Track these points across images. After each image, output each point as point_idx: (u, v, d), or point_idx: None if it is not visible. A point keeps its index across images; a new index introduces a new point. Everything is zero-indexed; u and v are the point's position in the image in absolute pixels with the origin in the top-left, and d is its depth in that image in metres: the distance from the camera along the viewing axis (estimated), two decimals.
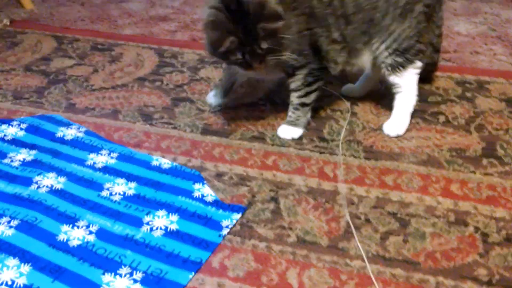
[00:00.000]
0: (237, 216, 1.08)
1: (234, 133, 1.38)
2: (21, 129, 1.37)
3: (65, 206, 1.10)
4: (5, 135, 1.35)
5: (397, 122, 1.36)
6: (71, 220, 1.06)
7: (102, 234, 1.03)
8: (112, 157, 1.27)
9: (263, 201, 1.14)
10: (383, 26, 1.26)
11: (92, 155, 1.27)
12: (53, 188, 1.15)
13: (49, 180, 1.18)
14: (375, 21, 1.26)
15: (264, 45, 1.16)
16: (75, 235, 1.03)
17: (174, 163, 1.25)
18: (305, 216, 1.10)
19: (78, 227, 1.05)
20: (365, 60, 1.33)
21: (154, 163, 1.25)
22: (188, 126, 1.40)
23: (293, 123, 1.37)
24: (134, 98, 1.56)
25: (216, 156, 1.29)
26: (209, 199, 1.13)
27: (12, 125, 1.38)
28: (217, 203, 1.12)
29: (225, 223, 1.06)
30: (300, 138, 1.35)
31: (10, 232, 1.03)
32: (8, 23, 2.15)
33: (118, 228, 1.05)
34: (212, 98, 1.47)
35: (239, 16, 1.14)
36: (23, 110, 1.49)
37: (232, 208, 1.10)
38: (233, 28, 1.14)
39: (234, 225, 1.07)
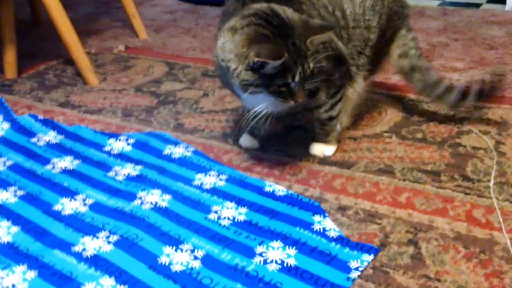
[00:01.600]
0: (368, 257, 0.89)
1: (356, 165, 1.20)
2: (128, 144, 1.29)
3: (169, 226, 0.97)
4: (111, 149, 1.28)
5: None
6: (175, 242, 0.93)
7: (208, 261, 0.88)
8: (221, 179, 1.14)
9: (399, 243, 0.94)
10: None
11: (199, 175, 1.15)
12: (157, 205, 1.04)
13: (154, 197, 1.06)
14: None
15: (311, 65, 1.01)
16: (179, 259, 0.89)
17: (290, 191, 1.09)
18: (455, 266, 0.88)
19: (182, 250, 0.91)
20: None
21: (267, 189, 1.10)
22: (303, 155, 1.25)
23: (323, 140, 1.24)
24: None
25: (337, 188, 1.11)
26: (333, 234, 0.95)
27: (119, 140, 1.31)
28: (342, 240, 0.93)
29: (353, 264, 0.87)
30: (437, 174, 1.14)
31: (108, 248, 0.92)
32: (123, 49, 2.17)
33: (227, 256, 0.90)
34: (249, 141, 1.29)
35: (283, 32, 0.99)
36: (131, 127, 1.43)
37: (362, 248, 0.91)
38: (282, 43, 0.99)
39: (365, 268, 0.87)
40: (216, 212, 1.02)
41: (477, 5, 2.97)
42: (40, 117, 1.44)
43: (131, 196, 1.07)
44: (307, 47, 1.00)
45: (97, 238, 0.95)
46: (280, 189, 1.09)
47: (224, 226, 0.98)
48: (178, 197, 1.07)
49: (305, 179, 1.15)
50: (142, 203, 1.04)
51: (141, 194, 1.07)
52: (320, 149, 1.23)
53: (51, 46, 2.02)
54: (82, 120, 1.47)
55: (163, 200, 1.06)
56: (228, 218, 1.00)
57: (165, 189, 1.10)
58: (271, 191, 1.09)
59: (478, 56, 2.02)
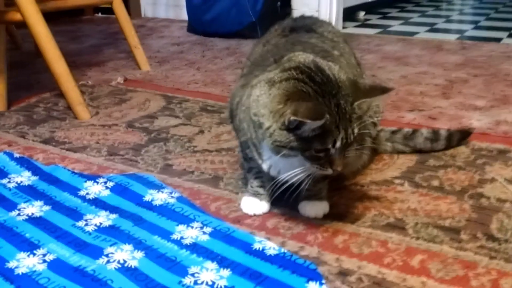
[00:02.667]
0: None
1: (362, 218, 1.05)
2: (107, 187, 1.16)
3: None
4: (87, 193, 1.14)
5: None
6: None
7: None
8: (204, 232, 0.99)
9: None
10: None
11: (180, 227, 1.00)
12: (126, 265, 0.89)
13: (123, 254, 0.92)
14: None
15: (356, 130, 0.88)
16: None
17: (283, 249, 0.93)
18: None
19: None
20: None
21: (257, 246, 0.94)
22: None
23: (317, 197, 1.06)
24: (239, 164, 1.30)
25: (338, 247, 0.95)
26: None
27: (98, 182, 1.18)
28: None
29: None
30: (456, 232, 0.98)
31: None
32: (121, 81, 2.07)
33: None
34: (255, 205, 1.08)
35: (327, 91, 0.87)
36: (114, 167, 1.29)
37: None
38: (324, 103, 0.86)
39: None
40: (193, 275, 0.86)
41: (498, 40, 2.83)
42: (17, 155, 1.32)
43: (97, 252, 0.92)
44: (353, 111, 0.88)
45: None
46: (272, 247, 0.94)
47: None
48: (151, 254, 0.92)
49: (302, 234, 1.00)
50: (108, 261, 0.90)
51: (109, 250, 0.93)
52: (314, 209, 1.05)
53: (47, 78, 1.92)
54: (63, 158, 1.35)
55: (134, 258, 0.91)
56: (207, 284, 0.84)
57: (138, 244, 0.95)
58: (260, 249, 0.94)
59: (500, 93, 1.86)
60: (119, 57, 2.54)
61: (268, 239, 0.98)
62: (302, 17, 1.23)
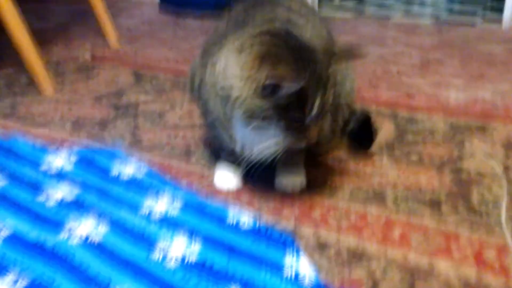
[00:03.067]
0: None
1: (340, 191, 1.00)
2: (70, 161, 1.08)
3: (98, 267, 0.76)
4: (49, 168, 1.07)
5: None
6: None
7: None
8: (175, 206, 0.93)
9: None
10: None
11: (149, 201, 0.94)
12: (89, 240, 0.83)
13: (86, 228, 0.85)
14: None
15: (331, 98, 0.83)
16: None
17: (258, 222, 0.88)
18: None
19: None
20: None
21: (230, 220, 0.89)
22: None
23: (293, 171, 1.02)
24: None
25: (316, 219, 0.91)
26: (309, 281, 0.74)
27: (60, 156, 1.10)
28: None
29: None
30: (437, 205, 0.94)
31: None
32: (89, 58, 1.97)
33: None
34: (228, 180, 1.03)
35: (302, 55, 0.81)
36: (79, 142, 1.22)
37: None
38: (301, 66, 0.80)
39: None
40: (162, 249, 0.81)
41: (472, 25, 2.82)
42: None
43: (58, 227, 0.86)
44: (328, 77, 0.82)
45: (1, 282, 0.73)
46: (246, 220, 0.89)
47: (170, 269, 0.76)
48: (117, 229, 0.86)
49: (278, 207, 0.95)
50: (70, 236, 0.83)
51: (71, 224, 0.86)
52: (291, 182, 1.00)
53: (11, 54, 1.82)
54: (24, 134, 1.26)
55: (98, 233, 0.84)
56: (176, 259, 0.79)
57: (102, 218, 0.88)
58: (234, 222, 0.88)
59: (477, 72, 1.84)
60: (87, 34, 2.43)
61: (243, 212, 0.92)
62: None
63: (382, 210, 0.94)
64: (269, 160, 0.93)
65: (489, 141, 1.23)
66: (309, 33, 0.87)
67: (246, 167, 0.96)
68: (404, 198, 0.97)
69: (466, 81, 1.73)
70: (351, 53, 0.85)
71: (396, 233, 0.87)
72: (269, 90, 0.79)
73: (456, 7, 3.53)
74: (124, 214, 0.90)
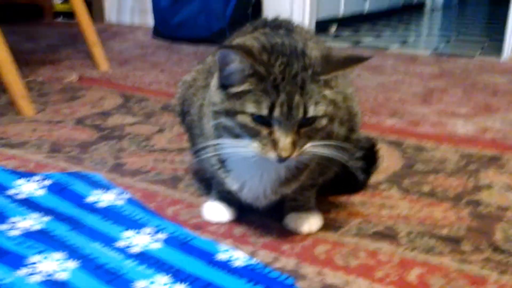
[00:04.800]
0: None
1: (346, 226, 0.89)
2: (43, 186, 0.97)
3: None
4: (18, 193, 0.95)
5: None
6: None
7: None
8: (157, 240, 0.81)
9: None
10: None
11: (128, 233, 0.82)
12: (53, 278, 0.70)
13: (51, 264, 0.73)
14: None
15: (312, 108, 0.71)
16: None
17: (253, 260, 0.76)
18: None
19: None
20: None
21: (221, 256, 0.77)
22: (275, 211, 0.92)
23: (306, 208, 0.89)
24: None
25: (320, 258, 0.79)
26: None
27: (32, 180, 0.98)
28: None
29: None
30: (456, 242, 0.83)
31: None
32: (75, 80, 1.87)
33: None
34: (220, 211, 0.90)
35: (277, 50, 0.73)
36: (55, 165, 1.10)
37: None
38: (267, 59, 0.71)
39: None
40: None
41: (471, 56, 2.76)
42: None
43: (18, 261, 0.73)
44: (314, 83, 0.71)
45: None
46: (239, 257, 0.77)
47: None
48: (88, 265, 0.73)
49: (276, 243, 0.83)
50: (32, 273, 0.71)
51: (34, 258, 0.74)
52: (307, 222, 0.87)
53: None
54: None
55: (65, 269, 0.72)
56: None
57: (72, 253, 0.76)
58: (226, 259, 0.76)
59: (482, 102, 1.76)
60: (76, 56, 2.34)
61: (236, 248, 0.80)
62: (276, 18, 1.07)
63: (395, 247, 0.82)
64: (274, 199, 0.82)
65: (506, 172, 1.12)
66: (308, 43, 0.77)
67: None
68: (418, 234, 0.86)
69: (472, 111, 1.64)
70: (352, 58, 0.74)
71: (413, 275, 0.75)
72: (220, 66, 0.72)
73: (454, 39, 3.50)
74: (97, 247, 0.78)
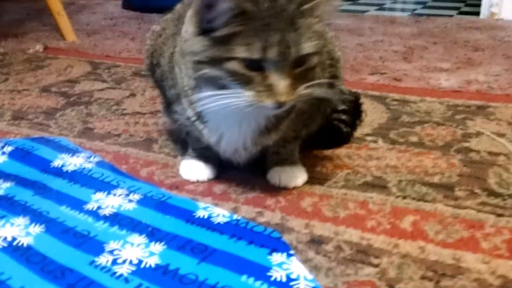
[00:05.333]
0: None
1: (333, 178, 0.84)
2: (3, 153, 0.89)
3: (24, 280, 0.57)
4: None
5: None
6: None
7: None
8: (130, 200, 0.74)
9: None
10: None
11: (98, 195, 0.76)
12: (15, 243, 0.63)
13: (12, 230, 0.66)
14: None
15: (307, 45, 0.65)
16: None
17: (235, 216, 0.70)
18: None
19: None
20: None
21: (201, 213, 0.71)
22: (257, 166, 0.86)
23: (290, 161, 0.83)
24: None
25: (307, 210, 0.74)
26: (304, 284, 0.56)
27: None
28: None
29: None
30: (449, 188, 0.79)
31: None
32: (40, 50, 1.77)
33: None
34: (200, 170, 0.84)
35: None
36: (18, 132, 1.02)
37: None
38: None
39: None
40: (111, 252, 0.62)
41: (449, 17, 2.72)
42: None
43: None
44: (301, 13, 0.64)
45: None
46: (221, 214, 0.71)
47: (121, 276, 0.58)
48: (54, 229, 0.67)
49: (259, 198, 0.77)
50: None
51: None
52: (291, 176, 0.81)
53: None
54: None
55: (28, 234, 0.65)
56: (131, 262, 0.60)
57: (36, 217, 0.69)
58: (206, 216, 0.70)
59: (464, 57, 1.72)
60: (42, 29, 2.22)
61: (216, 205, 0.74)
62: None
63: (386, 196, 0.77)
64: (254, 151, 0.76)
65: (495, 120, 1.08)
66: None
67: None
68: (409, 182, 0.81)
69: (454, 65, 1.60)
70: None
71: (407, 222, 0.70)
72: (203, 12, 0.64)
73: (431, 3, 3.45)
74: (65, 211, 0.71)
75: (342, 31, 2.23)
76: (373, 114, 1.13)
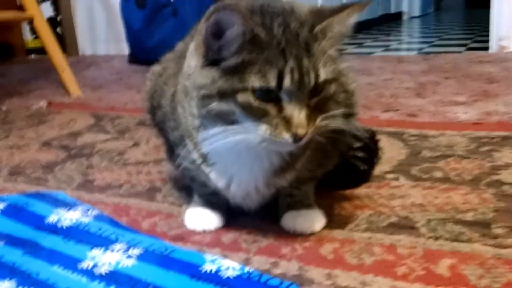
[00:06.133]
0: None
1: (354, 220, 0.76)
2: None
3: None
4: None
5: None
6: None
7: None
8: (130, 255, 0.66)
9: None
10: None
11: (95, 252, 0.68)
12: None
13: None
14: None
15: (323, 71, 0.60)
16: None
17: (247, 268, 0.62)
18: None
19: None
20: None
21: (208, 267, 0.63)
22: (269, 212, 0.78)
23: (305, 204, 0.75)
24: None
25: (328, 258, 0.65)
26: None
27: None
28: None
29: None
30: (486, 226, 0.70)
31: None
32: (44, 106, 1.74)
33: None
34: (207, 218, 0.76)
35: (269, 11, 0.61)
36: (13, 188, 0.96)
37: None
38: (260, 18, 0.60)
39: None
40: None
41: (458, 52, 2.69)
42: None
43: None
44: (314, 36, 0.59)
45: None
46: (231, 266, 0.63)
47: None
48: None
49: (273, 246, 0.69)
50: None
51: None
52: (307, 221, 0.73)
53: None
54: None
55: None
56: None
57: (24, 279, 0.62)
58: (214, 270, 0.62)
59: (479, 89, 1.66)
60: (47, 86, 2.21)
61: (225, 257, 0.66)
62: None
63: (415, 238, 0.69)
64: (266, 194, 0.69)
65: None
66: (292, 1, 0.66)
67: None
68: (440, 222, 0.73)
69: (470, 98, 1.53)
70: (347, 7, 0.62)
71: (443, 266, 0.61)
72: (213, 46, 0.59)
73: (438, 42, 3.44)
74: (57, 271, 0.64)
75: (350, 72, 2.19)
76: (391, 151, 1.06)
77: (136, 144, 1.21)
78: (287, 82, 0.57)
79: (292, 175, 0.70)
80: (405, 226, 0.72)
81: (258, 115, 0.58)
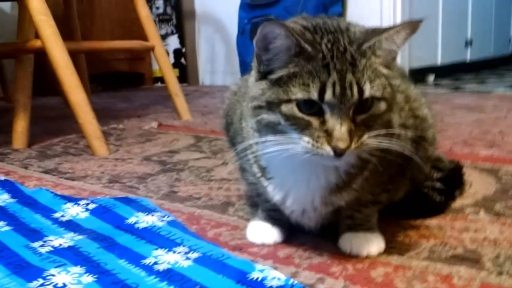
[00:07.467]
0: None
1: (416, 248, 0.73)
2: (87, 209, 0.93)
3: None
4: (62, 215, 0.92)
5: None
6: None
7: None
8: (188, 257, 0.71)
9: None
10: None
11: (159, 252, 0.74)
12: None
13: (66, 277, 0.66)
14: None
15: (368, 87, 0.59)
16: None
17: (292, 280, 0.63)
18: None
19: None
20: None
21: (255, 275, 0.65)
22: (332, 233, 0.78)
23: (365, 228, 0.74)
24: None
25: (376, 281, 0.64)
26: None
27: (78, 204, 0.95)
28: None
29: None
30: None
31: None
32: (155, 126, 1.90)
33: None
34: (267, 232, 0.78)
35: (320, 28, 0.64)
36: (108, 193, 1.07)
37: None
38: (311, 38, 0.62)
39: None
40: None
41: None
42: (2, 177, 1.14)
43: (35, 274, 0.67)
44: (362, 53, 0.61)
45: None
46: (276, 277, 0.64)
47: None
48: (104, 280, 0.66)
49: (325, 264, 0.70)
50: (43, 284, 0.64)
51: (51, 271, 0.68)
52: (365, 243, 0.72)
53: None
54: (55, 185, 1.14)
55: (78, 282, 0.65)
56: None
57: (92, 268, 0.69)
58: (259, 278, 0.64)
59: None
60: (163, 111, 2.41)
61: (275, 268, 0.68)
62: None
63: (476, 271, 0.64)
64: (324, 212, 0.71)
65: None
66: (351, 23, 0.68)
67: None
68: (509, 258, 0.67)
69: None
70: (400, 25, 0.62)
71: None
72: (263, 60, 0.63)
73: None
74: (122, 264, 0.70)
75: (460, 109, 2.09)
76: (478, 186, 1.00)
77: (224, 164, 1.28)
78: (328, 94, 0.59)
79: (350, 195, 0.70)
80: (469, 258, 0.68)
81: (302, 127, 0.60)
